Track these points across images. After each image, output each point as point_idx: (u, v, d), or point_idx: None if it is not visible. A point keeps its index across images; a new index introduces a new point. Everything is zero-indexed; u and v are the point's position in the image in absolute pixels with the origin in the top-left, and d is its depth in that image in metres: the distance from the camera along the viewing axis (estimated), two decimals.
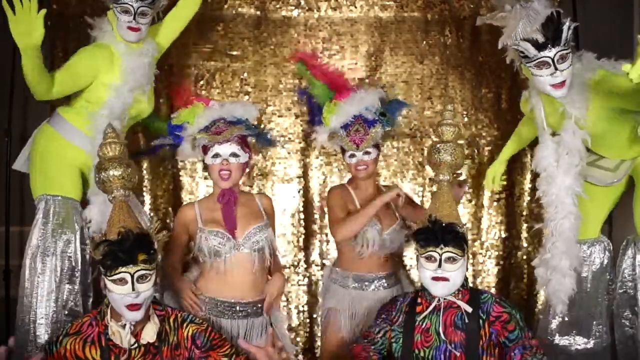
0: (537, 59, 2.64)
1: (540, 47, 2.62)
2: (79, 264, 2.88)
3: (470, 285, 2.61)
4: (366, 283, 3.08)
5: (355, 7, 3.88)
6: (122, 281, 2.23)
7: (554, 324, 3.04)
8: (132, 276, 2.22)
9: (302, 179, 3.88)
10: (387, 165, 3.88)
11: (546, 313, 3.10)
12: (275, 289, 2.81)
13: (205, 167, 2.90)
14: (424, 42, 3.88)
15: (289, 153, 3.88)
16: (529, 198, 3.84)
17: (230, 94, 3.84)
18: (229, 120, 2.82)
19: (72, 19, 3.67)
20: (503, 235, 3.89)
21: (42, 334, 2.79)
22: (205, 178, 3.77)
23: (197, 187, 3.84)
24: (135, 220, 2.34)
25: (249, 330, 2.76)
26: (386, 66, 3.89)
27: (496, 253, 3.90)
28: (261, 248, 2.78)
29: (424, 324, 2.52)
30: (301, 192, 3.88)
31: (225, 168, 2.77)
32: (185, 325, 2.41)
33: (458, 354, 2.45)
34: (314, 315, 3.82)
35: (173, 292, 2.80)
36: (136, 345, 2.33)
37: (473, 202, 3.89)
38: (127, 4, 2.86)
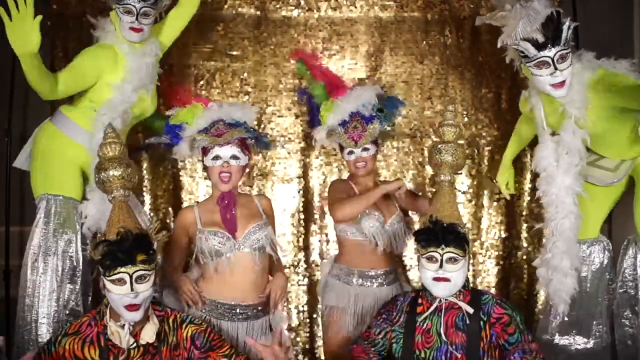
0: (537, 58, 2.64)
1: (540, 46, 2.62)
2: (80, 263, 2.88)
3: (471, 285, 2.60)
4: (370, 279, 3.08)
5: (355, 7, 3.88)
6: (120, 281, 2.23)
7: (554, 323, 3.04)
8: (131, 276, 2.22)
9: (302, 179, 3.88)
10: (387, 165, 3.88)
11: (546, 313, 3.10)
12: (278, 288, 2.79)
13: (204, 168, 2.89)
14: (424, 42, 3.88)
15: (289, 153, 3.88)
16: (528, 198, 3.84)
17: (230, 94, 3.84)
18: (229, 122, 2.82)
19: (72, 19, 3.68)
20: (503, 235, 3.89)
21: (44, 333, 2.79)
22: (206, 178, 3.77)
23: (197, 187, 3.83)
24: (135, 220, 2.34)
25: (249, 332, 2.75)
26: (386, 66, 3.88)
27: (496, 253, 3.89)
28: (261, 246, 2.77)
29: (425, 325, 2.50)
30: (301, 192, 3.88)
31: (226, 170, 2.77)
32: (184, 325, 2.41)
33: (459, 356, 2.44)
34: (314, 315, 3.82)
35: (173, 291, 2.79)
36: (135, 345, 2.33)
37: (473, 202, 3.89)
38: (129, 4, 2.86)
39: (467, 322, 2.46)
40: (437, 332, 2.48)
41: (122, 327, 2.30)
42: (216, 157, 2.77)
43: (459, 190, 3.82)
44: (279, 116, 3.87)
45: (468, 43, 3.87)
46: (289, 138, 3.87)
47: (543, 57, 2.63)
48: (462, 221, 2.54)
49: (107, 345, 2.32)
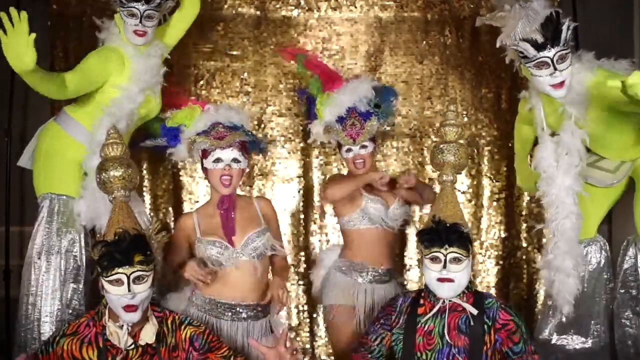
0: (537, 59, 2.64)
1: (539, 47, 2.62)
2: (84, 263, 2.89)
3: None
4: (376, 276, 3.08)
5: (355, 7, 3.88)
6: (118, 282, 2.23)
7: (552, 323, 3.04)
8: (128, 277, 2.22)
9: (302, 179, 3.88)
10: (387, 165, 3.88)
11: (544, 312, 3.10)
12: (279, 289, 2.74)
13: (204, 171, 2.88)
14: (424, 42, 3.88)
15: (289, 153, 3.88)
16: (528, 198, 3.83)
17: (230, 94, 3.84)
18: (228, 125, 2.82)
19: (72, 19, 3.67)
20: (502, 235, 3.89)
21: (47, 331, 2.79)
22: (206, 178, 3.77)
23: (197, 187, 3.83)
24: (134, 221, 2.35)
25: (249, 333, 2.74)
26: (386, 66, 3.88)
27: (496, 253, 3.89)
28: (260, 254, 2.77)
29: (427, 326, 2.48)
30: (301, 192, 3.88)
31: (227, 173, 2.76)
32: (183, 327, 2.41)
33: (461, 359, 2.43)
34: (314, 315, 3.82)
35: (180, 279, 2.78)
36: (134, 346, 2.33)
37: (473, 202, 3.89)
38: (133, 7, 2.86)
39: (471, 323, 2.44)
40: (439, 334, 2.46)
41: (121, 327, 2.30)
42: (217, 160, 2.77)
43: (459, 190, 3.81)
44: (279, 116, 3.87)
45: (468, 43, 3.86)
46: (289, 138, 3.87)
47: (542, 57, 2.63)
48: (465, 221, 2.54)
49: (106, 345, 2.32)
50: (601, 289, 3.04)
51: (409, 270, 3.87)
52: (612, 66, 2.73)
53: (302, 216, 3.88)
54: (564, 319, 2.98)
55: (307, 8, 3.86)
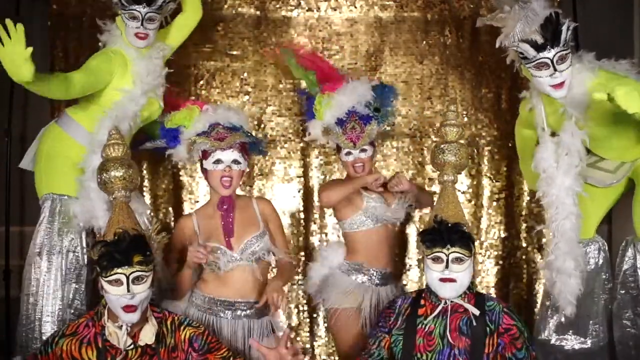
0: (536, 60, 2.64)
1: (539, 48, 2.62)
2: (85, 263, 2.89)
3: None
4: (381, 278, 3.08)
5: (355, 7, 3.88)
6: (117, 282, 2.23)
7: (551, 323, 3.04)
8: (128, 277, 2.23)
9: (302, 179, 3.88)
10: (387, 165, 3.88)
11: (543, 312, 3.10)
12: (274, 291, 2.70)
13: (203, 171, 2.87)
14: (424, 42, 3.88)
15: (289, 153, 3.88)
16: (528, 198, 3.83)
17: (230, 94, 3.84)
18: (228, 126, 2.82)
19: (72, 19, 3.67)
20: (502, 235, 3.89)
21: (49, 331, 2.78)
22: (205, 179, 3.77)
23: (197, 187, 3.83)
24: (134, 221, 2.35)
25: (249, 331, 2.74)
26: (386, 66, 3.88)
27: (495, 253, 3.89)
28: (258, 258, 2.77)
29: (427, 327, 2.48)
30: (301, 192, 3.88)
31: (228, 175, 2.76)
32: (182, 328, 2.41)
33: None
34: (314, 315, 3.82)
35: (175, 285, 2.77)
36: (133, 346, 2.33)
37: (473, 202, 3.89)
38: (134, 10, 2.86)
39: (473, 324, 2.43)
40: (439, 335, 2.45)
41: (120, 328, 2.30)
42: (218, 161, 2.77)
43: (459, 190, 3.81)
44: (279, 116, 3.87)
45: (468, 43, 3.86)
46: (289, 138, 3.87)
47: (542, 58, 2.62)
48: (467, 221, 2.54)
49: (105, 346, 2.32)
50: (600, 289, 3.04)
51: (409, 270, 3.87)
52: (613, 67, 2.72)
53: (302, 216, 3.88)
54: (563, 319, 2.98)
55: (307, 8, 3.86)
